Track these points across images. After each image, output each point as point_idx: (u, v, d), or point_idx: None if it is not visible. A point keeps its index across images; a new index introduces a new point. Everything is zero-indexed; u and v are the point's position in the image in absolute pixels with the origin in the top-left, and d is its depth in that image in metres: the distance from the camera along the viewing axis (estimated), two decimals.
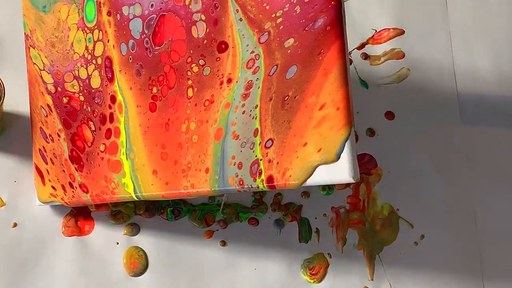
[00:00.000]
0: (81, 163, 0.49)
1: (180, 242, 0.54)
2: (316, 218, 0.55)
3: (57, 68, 0.50)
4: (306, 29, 0.41)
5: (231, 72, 0.44)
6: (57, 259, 0.52)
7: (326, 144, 0.40)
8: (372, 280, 0.54)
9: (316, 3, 0.41)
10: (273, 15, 0.42)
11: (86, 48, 0.49)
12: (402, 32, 0.60)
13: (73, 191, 0.50)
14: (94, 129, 0.49)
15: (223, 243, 0.54)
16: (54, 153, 0.50)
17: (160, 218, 0.54)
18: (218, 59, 0.44)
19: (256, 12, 0.43)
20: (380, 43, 0.59)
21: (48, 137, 0.50)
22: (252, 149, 0.43)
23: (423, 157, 0.57)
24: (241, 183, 0.43)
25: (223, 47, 0.44)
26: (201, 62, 0.45)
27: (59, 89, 0.50)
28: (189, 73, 0.45)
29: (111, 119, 0.48)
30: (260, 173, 0.42)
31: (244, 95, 0.43)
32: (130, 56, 0.48)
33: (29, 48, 0.51)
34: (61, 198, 0.51)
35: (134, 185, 0.47)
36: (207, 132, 0.44)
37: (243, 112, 0.43)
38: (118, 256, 0.53)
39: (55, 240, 0.53)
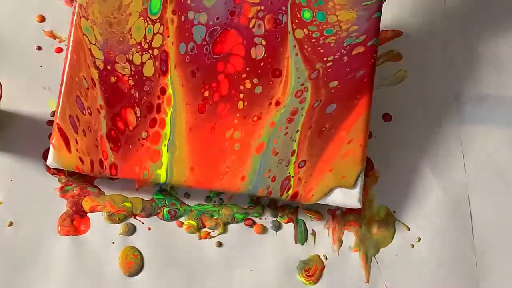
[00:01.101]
0: (119, 144, 0.50)
1: (176, 242, 0.54)
2: (312, 219, 0.55)
3: (110, 47, 0.51)
4: (349, 76, 0.51)
5: (281, 96, 0.51)
6: (53, 258, 0.52)
7: (347, 173, 0.50)
8: (368, 282, 0.54)
9: (360, 57, 0.51)
10: (325, 59, 0.51)
11: (145, 37, 0.51)
12: (400, 34, 0.60)
13: (101, 171, 0.50)
14: (139, 115, 0.50)
15: (219, 244, 0.54)
16: (89, 127, 0.50)
17: (156, 218, 0.54)
18: (271, 82, 0.51)
19: (311, 52, 0.51)
20: (379, 44, 0.59)
21: (86, 109, 0.50)
22: (287, 166, 0.50)
23: (420, 159, 0.56)
24: (269, 194, 0.50)
25: (277, 73, 0.51)
26: (255, 81, 0.51)
27: (108, 67, 0.51)
28: (241, 87, 0.51)
29: (158, 110, 0.51)
30: (289, 189, 0.50)
31: (289, 119, 0.50)
32: (188, 57, 0.51)
33: (80, 17, 0.51)
34: (86, 172, 0.51)
35: (167, 177, 0.50)
36: (250, 144, 0.50)
37: (285, 134, 0.50)
38: (113, 256, 0.53)
39: (51, 239, 0.53)
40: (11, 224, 0.53)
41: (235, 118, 0.50)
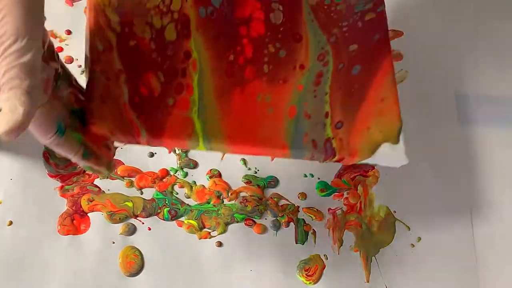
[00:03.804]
0: (145, 112, 0.46)
1: (176, 242, 0.53)
2: (312, 219, 0.55)
3: (126, 10, 0.48)
4: (367, 40, 0.50)
5: (304, 60, 0.49)
6: (52, 258, 0.52)
7: (387, 129, 0.48)
8: (368, 282, 0.54)
9: (373, 22, 0.51)
10: (340, 24, 0.51)
11: (163, 0, 0.48)
12: (400, 34, 0.60)
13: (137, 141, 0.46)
14: (163, 81, 0.47)
15: (219, 244, 0.54)
16: (108, 93, 0.45)
17: (157, 218, 0.54)
18: (292, 47, 0.49)
19: (325, 18, 0.50)
20: None
21: (101, 73, 0.46)
22: (323, 128, 0.48)
23: (421, 159, 0.57)
24: (313, 159, 0.48)
25: (297, 37, 0.49)
26: (277, 45, 0.49)
27: (126, 30, 0.47)
28: (265, 51, 0.48)
29: (183, 74, 0.47)
30: (334, 154, 0.47)
31: (315, 82, 0.49)
32: (209, 21, 0.48)
33: None
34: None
35: (206, 148, 0.46)
36: (282, 107, 0.47)
37: (315, 96, 0.48)
38: (114, 256, 0.53)
39: (51, 238, 0.53)
40: (10, 223, 0.53)
41: (262, 82, 0.48)
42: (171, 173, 0.55)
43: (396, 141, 0.48)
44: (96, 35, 0.47)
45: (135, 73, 0.47)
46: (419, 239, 0.55)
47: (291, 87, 0.48)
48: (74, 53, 0.56)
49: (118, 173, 0.55)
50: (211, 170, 0.55)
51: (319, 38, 0.50)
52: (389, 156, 0.48)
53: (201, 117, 0.47)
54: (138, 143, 0.47)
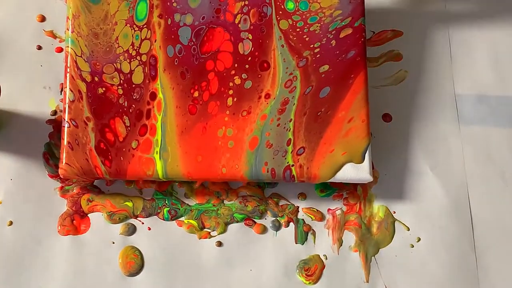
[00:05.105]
0: (109, 157, 0.50)
1: (176, 242, 0.53)
2: (312, 219, 0.55)
3: (97, 59, 0.51)
4: (340, 58, 0.52)
5: (270, 89, 0.51)
6: (53, 258, 0.52)
7: (351, 149, 0.50)
8: (368, 282, 0.54)
9: (349, 39, 0.52)
10: (311, 46, 0.52)
11: (132, 44, 0.51)
12: (400, 34, 0.60)
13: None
14: (128, 125, 0.50)
15: (219, 244, 0.54)
16: (76, 140, 0.50)
17: (157, 218, 0.54)
18: (259, 76, 0.51)
19: (297, 41, 0.52)
20: (378, 44, 0.59)
21: (70, 121, 0.50)
22: (284, 156, 0.50)
23: (420, 160, 0.56)
24: (273, 181, 0.52)
25: (265, 66, 0.51)
26: (244, 76, 0.51)
27: (96, 79, 0.51)
28: (231, 84, 0.51)
29: (148, 116, 0.50)
30: (294, 180, 0.50)
31: (280, 110, 0.51)
32: (176, 59, 0.51)
33: (67, 29, 0.52)
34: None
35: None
36: (243, 140, 0.50)
37: (278, 125, 0.51)
38: (114, 256, 0.53)
39: (51, 239, 0.53)
40: (11, 223, 0.53)
41: (225, 116, 0.51)
42: None
43: (360, 160, 0.50)
44: (68, 87, 0.51)
45: (103, 120, 0.50)
46: (419, 239, 0.55)
47: (255, 118, 0.51)
48: None
49: None
50: None
51: (287, 64, 0.51)
52: (351, 176, 0.50)
53: (162, 156, 0.50)
54: (101, 179, 0.52)
